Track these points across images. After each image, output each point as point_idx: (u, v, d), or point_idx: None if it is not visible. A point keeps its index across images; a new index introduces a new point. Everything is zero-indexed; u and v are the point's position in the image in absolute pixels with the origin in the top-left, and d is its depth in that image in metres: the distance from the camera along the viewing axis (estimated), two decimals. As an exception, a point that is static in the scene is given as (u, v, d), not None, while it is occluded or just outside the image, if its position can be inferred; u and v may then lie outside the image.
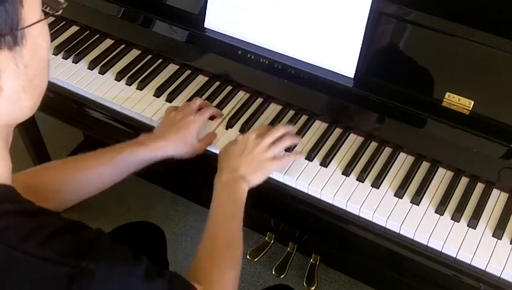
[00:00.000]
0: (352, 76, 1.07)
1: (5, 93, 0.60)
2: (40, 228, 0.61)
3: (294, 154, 1.04)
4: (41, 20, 0.62)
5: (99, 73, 1.23)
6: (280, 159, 1.01)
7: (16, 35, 0.59)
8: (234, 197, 0.94)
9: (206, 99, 1.17)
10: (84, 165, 0.98)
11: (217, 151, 1.07)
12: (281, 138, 1.02)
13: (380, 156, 1.05)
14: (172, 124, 1.05)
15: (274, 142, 1.01)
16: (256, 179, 0.98)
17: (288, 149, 1.05)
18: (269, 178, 1.04)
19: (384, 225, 0.97)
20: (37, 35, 0.62)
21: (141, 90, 1.19)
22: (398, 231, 0.96)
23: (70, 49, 1.28)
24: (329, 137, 1.09)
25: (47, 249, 0.60)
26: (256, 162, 0.98)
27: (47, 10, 0.64)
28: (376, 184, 1.01)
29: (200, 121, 1.06)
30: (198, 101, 1.10)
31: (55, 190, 0.94)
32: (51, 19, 1.35)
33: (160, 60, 1.25)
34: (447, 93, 1.01)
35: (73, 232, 0.64)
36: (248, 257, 1.63)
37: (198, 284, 0.77)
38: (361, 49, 1.05)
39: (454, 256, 0.93)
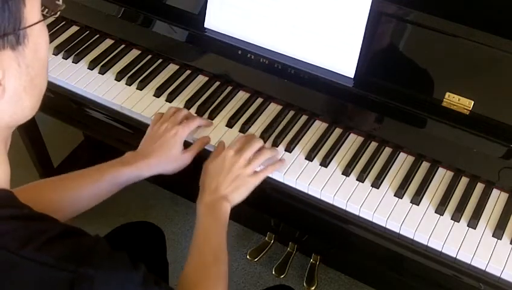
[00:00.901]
0: (352, 76, 1.07)
1: (7, 94, 0.60)
2: (39, 233, 0.61)
3: (273, 166, 1.02)
4: (42, 20, 0.62)
5: (99, 73, 1.23)
6: (260, 173, 1.00)
7: (19, 35, 0.59)
8: (217, 218, 0.94)
9: (206, 99, 1.17)
10: (71, 185, 0.97)
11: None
12: (259, 150, 1.01)
13: (380, 156, 1.05)
14: (155, 138, 1.03)
15: (253, 156, 1.00)
16: (239, 197, 0.97)
17: None
18: (269, 178, 1.04)
19: (384, 225, 0.97)
20: (38, 36, 0.62)
21: (141, 90, 1.19)
22: (398, 231, 0.96)
23: (70, 49, 1.28)
24: (329, 137, 1.09)
25: (46, 253, 0.60)
26: (236, 180, 0.97)
27: (45, 13, 0.64)
28: (376, 184, 1.01)
29: (183, 134, 1.03)
30: (183, 112, 1.08)
31: (42, 209, 0.94)
32: (51, 18, 1.34)
33: (160, 60, 1.25)
34: (447, 93, 1.01)
35: (72, 238, 0.64)
36: (248, 257, 1.63)
37: None
38: (361, 49, 1.05)
39: (454, 256, 0.93)
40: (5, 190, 0.64)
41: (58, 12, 0.66)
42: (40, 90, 0.65)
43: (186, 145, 1.05)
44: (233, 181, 0.97)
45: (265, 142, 1.07)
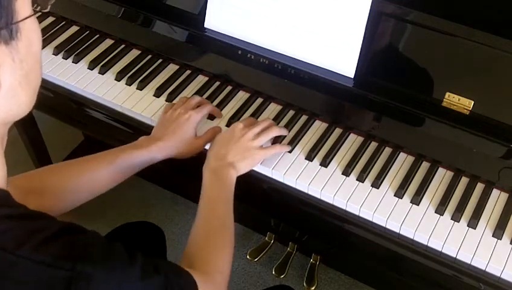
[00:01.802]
0: (352, 76, 1.07)
1: (3, 89, 0.60)
2: (35, 232, 0.61)
3: (281, 146, 1.04)
4: (34, 14, 0.62)
5: (99, 73, 1.23)
6: (267, 149, 1.02)
7: (11, 29, 0.59)
8: (223, 183, 0.95)
9: (206, 99, 1.16)
10: (85, 168, 0.98)
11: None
12: (267, 129, 1.03)
13: (380, 156, 1.05)
14: (168, 123, 1.05)
15: (261, 132, 1.02)
16: (244, 167, 0.99)
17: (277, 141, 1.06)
18: (269, 178, 1.04)
19: (384, 225, 0.97)
20: (31, 30, 0.62)
21: (141, 90, 1.19)
22: (398, 231, 0.96)
23: (70, 49, 1.28)
24: (329, 137, 1.09)
25: (42, 252, 0.60)
26: (243, 151, 0.99)
27: (34, 7, 0.64)
28: (376, 184, 1.01)
29: (196, 118, 1.05)
30: (196, 98, 1.11)
31: (58, 192, 0.94)
32: (51, 18, 1.35)
33: (160, 60, 1.25)
34: (447, 93, 1.01)
35: (68, 235, 0.64)
36: (248, 257, 1.63)
37: (193, 268, 0.78)
38: (361, 49, 1.05)
39: (454, 256, 0.93)
40: (2, 189, 0.64)
41: (49, 7, 0.65)
42: (35, 86, 0.66)
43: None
44: (241, 151, 0.98)
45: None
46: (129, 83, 1.21)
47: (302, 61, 1.11)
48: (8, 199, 0.64)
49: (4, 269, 0.59)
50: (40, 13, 0.65)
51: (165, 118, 1.07)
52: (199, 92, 1.18)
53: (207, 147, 1.06)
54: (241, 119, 1.11)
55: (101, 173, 0.97)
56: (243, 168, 0.98)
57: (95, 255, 0.62)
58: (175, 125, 1.04)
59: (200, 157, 1.04)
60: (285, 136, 1.08)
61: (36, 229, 0.62)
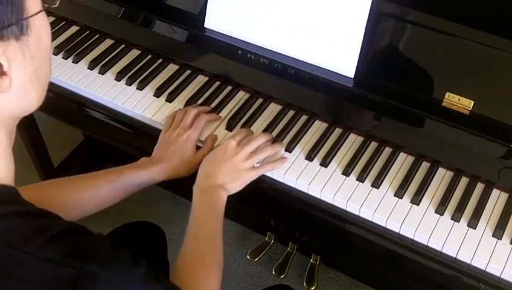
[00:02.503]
0: (352, 76, 1.07)
1: (14, 85, 0.61)
2: (42, 230, 0.62)
3: (272, 164, 1.02)
4: (43, 10, 0.63)
5: (99, 73, 1.23)
6: (259, 168, 1.01)
7: (22, 25, 0.60)
8: (213, 203, 0.95)
9: (206, 99, 1.17)
10: (85, 185, 0.99)
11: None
12: (261, 147, 1.02)
13: (380, 156, 1.05)
14: (168, 144, 1.04)
15: (254, 151, 1.01)
16: (235, 188, 0.98)
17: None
18: (269, 178, 1.04)
19: (384, 225, 0.97)
20: (41, 26, 0.63)
21: (141, 90, 1.19)
22: (398, 231, 0.96)
23: (70, 49, 1.28)
24: (329, 137, 1.09)
25: (50, 250, 0.60)
26: (235, 171, 0.98)
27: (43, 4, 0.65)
28: (376, 184, 1.01)
29: (194, 137, 1.05)
30: (192, 113, 1.08)
31: (57, 208, 0.95)
32: (51, 18, 1.35)
33: (160, 60, 1.25)
34: (447, 93, 1.01)
35: (76, 235, 0.64)
36: (248, 257, 1.63)
37: (183, 288, 0.78)
38: (361, 49, 1.05)
39: (454, 256, 0.93)
40: (9, 186, 0.65)
41: (58, 3, 0.66)
42: (44, 82, 0.67)
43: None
44: (231, 172, 0.97)
45: (265, 142, 1.07)
46: (129, 83, 1.21)
47: (302, 61, 1.11)
48: (16, 197, 0.65)
49: (9, 266, 0.59)
50: (48, 8, 0.66)
51: (164, 138, 1.06)
52: (199, 92, 1.18)
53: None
54: (239, 128, 1.09)
55: (102, 191, 0.99)
56: (233, 189, 0.97)
57: (102, 256, 0.63)
58: (174, 147, 1.03)
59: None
60: (287, 134, 1.08)
61: (43, 227, 0.62)
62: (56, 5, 0.66)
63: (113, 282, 0.63)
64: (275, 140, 1.08)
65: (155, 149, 1.06)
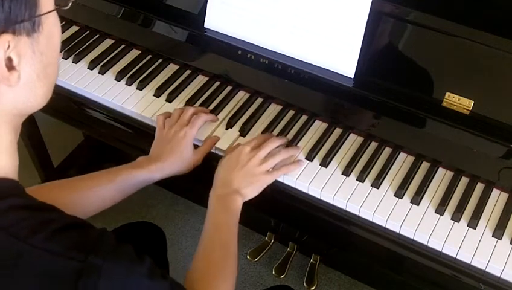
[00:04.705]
0: (352, 76, 1.07)
1: (22, 80, 0.62)
2: (48, 223, 0.62)
3: (287, 167, 1.02)
4: (56, 9, 0.64)
5: (99, 73, 1.23)
6: (274, 172, 1.00)
7: (34, 22, 0.61)
8: (229, 211, 0.94)
9: (206, 99, 1.17)
10: (84, 185, 0.99)
11: (216, 151, 1.07)
12: (275, 151, 1.02)
13: (380, 156, 1.05)
14: (165, 143, 1.04)
15: (269, 155, 1.00)
16: (251, 193, 0.97)
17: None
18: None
19: (384, 225, 0.97)
20: (52, 25, 0.64)
21: (141, 90, 1.19)
22: (398, 231, 0.96)
23: (70, 49, 1.28)
24: (329, 137, 1.09)
25: (54, 243, 0.61)
26: (250, 176, 0.97)
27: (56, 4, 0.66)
28: (376, 184, 1.01)
29: (192, 134, 1.04)
30: (189, 111, 1.08)
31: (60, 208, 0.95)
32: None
33: (160, 60, 1.25)
34: (447, 93, 1.01)
35: (80, 229, 0.65)
36: (248, 257, 1.63)
37: None
38: (361, 49, 1.05)
39: (454, 256, 0.93)
40: (14, 180, 0.66)
41: (70, 4, 0.67)
42: (52, 79, 0.68)
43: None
44: (247, 177, 0.97)
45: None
46: (129, 83, 1.21)
47: (302, 61, 1.11)
48: (21, 190, 0.66)
49: (15, 257, 0.60)
50: (61, 7, 0.67)
51: (161, 136, 1.06)
52: (199, 92, 1.18)
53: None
54: (253, 127, 1.09)
55: (100, 191, 0.98)
56: (249, 194, 0.97)
57: (106, 249, 0.63)
58: (172, 144, 1.03)
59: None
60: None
61: (48, 220, 0.63)
62: (67, 7, 0.67)
63: (117, 275, 0.63)
64: (289, 144, 1.07)
65: (152, 147, 1.06)
